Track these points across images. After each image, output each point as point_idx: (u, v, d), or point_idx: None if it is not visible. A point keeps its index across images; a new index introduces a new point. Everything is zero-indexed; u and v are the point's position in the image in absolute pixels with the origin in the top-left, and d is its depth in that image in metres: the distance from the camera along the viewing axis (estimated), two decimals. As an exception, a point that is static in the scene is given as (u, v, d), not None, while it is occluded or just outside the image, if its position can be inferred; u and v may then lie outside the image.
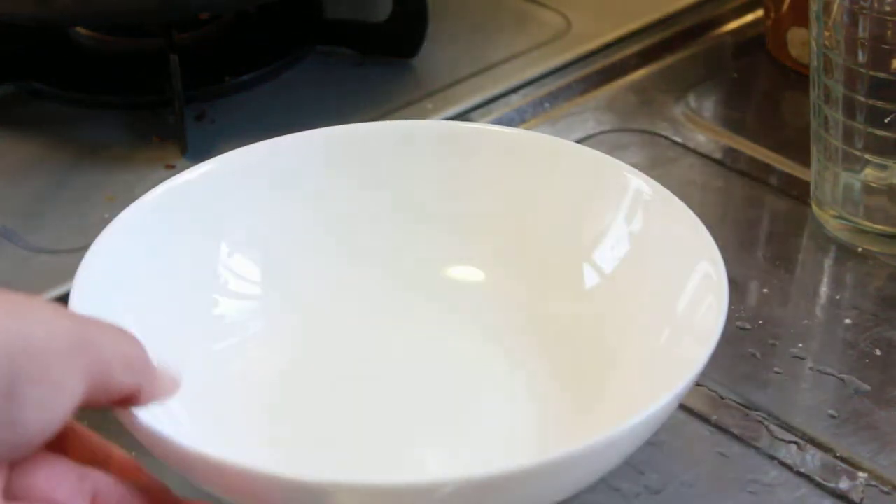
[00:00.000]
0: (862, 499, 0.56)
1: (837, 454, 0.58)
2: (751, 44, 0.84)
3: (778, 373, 0.62)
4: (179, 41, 0.78)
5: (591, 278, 0.61)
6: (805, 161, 0.71)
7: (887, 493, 0.56)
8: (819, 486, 0.57)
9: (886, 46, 0.64)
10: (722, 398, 0.60)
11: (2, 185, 0.74)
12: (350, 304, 0.62)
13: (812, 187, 0.70)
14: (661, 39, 0.84)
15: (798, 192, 0.72)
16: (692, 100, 0.80)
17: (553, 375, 0.58)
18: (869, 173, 0.67)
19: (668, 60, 0.83)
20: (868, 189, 0.67)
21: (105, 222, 0.58)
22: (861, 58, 0.64)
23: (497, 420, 0.57)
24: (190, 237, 0.60)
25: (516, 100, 0.79)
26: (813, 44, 0.67)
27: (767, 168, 0.74)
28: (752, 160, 0.75)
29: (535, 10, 0.87)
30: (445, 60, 0.82)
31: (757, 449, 0.58)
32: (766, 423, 0.59)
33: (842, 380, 0.61)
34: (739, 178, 0.74)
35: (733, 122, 0.78)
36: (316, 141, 0.63)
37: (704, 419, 0.59)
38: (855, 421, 0.59)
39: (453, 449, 0.56)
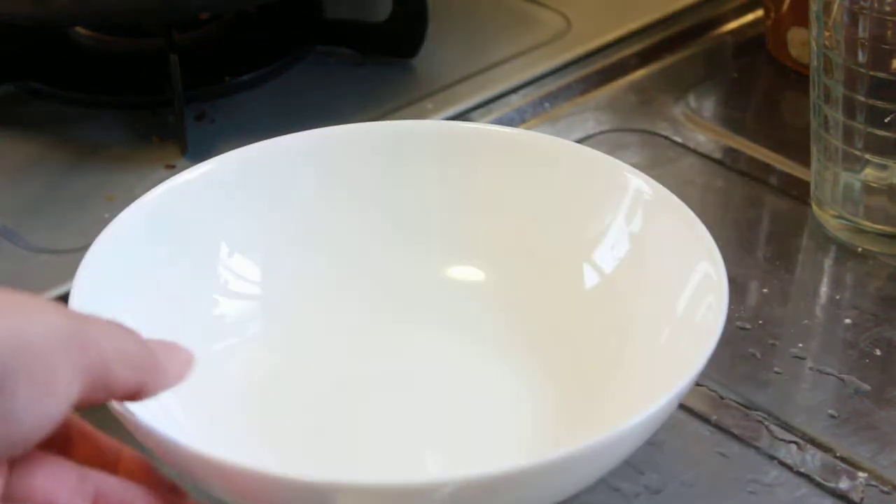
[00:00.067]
0: (862, 499, 0.56)
1: (837, 454, 0.58)
2: (751, 44, 0.84)
3: (778, 373, 0.62)
4: (179, 41, 0.78)
5: (591, 278, 0.61)
6: (805, 161, 0.71)
7: (887, 493, 0.56)
8: (819, 486, 0.57)
9: (886, 46, 0.64)
10: (722, 398, 0.60)
11: (2, 185, 0.74)
12: (350, 304, 0.62)
13: (812, 187, 0.70)
14: (661, 39, 0.84)
15: (798, 192, 0.72)
16: (692, 100, 0.80)
17: (553, 375, 0.58)
18: (869, 173, 0.67)
19: (668, 60, 0.83)
20: (868, 189, 0.67)
21: (105, 222, 0.58)
22: (861, 58, 0.64)
23: (497, 420, 0.57)
24: (190, 237, 0.60)
25: (516, 100, 0.79)
26: (813, 44, 0.66)
27: (767, 168, 0.74)
28: (752, 160, 0.75)
29: (535, 10, 0.87)
30: (445, 60, 0.82)
31: (757, 449, 0.58)
32: (766, 423, 0.59)
33: (842, 380, 0.61)
34: (739, 178, 0.74)
35: (733, 122, 0.78)
36: (315, 141, 0.63)
37: (704, 419, 0.59)
38: (855, 421, 0.59)
39: (453, 449, 0.56)
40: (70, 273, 0.55)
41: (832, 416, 0.60)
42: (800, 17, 0.78)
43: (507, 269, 0.62)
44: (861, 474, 0.57)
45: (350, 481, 0.47)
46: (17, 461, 0.45)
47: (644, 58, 0.83)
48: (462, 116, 0.78)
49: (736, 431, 0.59)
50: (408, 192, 0.63)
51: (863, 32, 0.64)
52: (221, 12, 0.83)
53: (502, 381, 0.59)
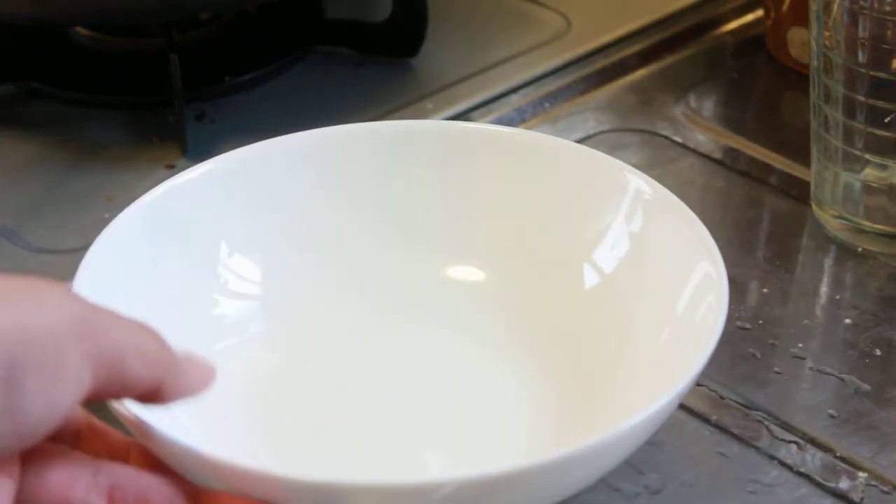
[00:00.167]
0: (862, 499, 0.56)
1: (837, 454, 0.58)
2: (751, 44, 0.84)
3: (778, 373, 0.62)
4: (179, 41, 0.78)
5: (591, 278, 0.61)
6: (805, 161, 0.71)
7: (887, 493, 0.56)
8: (819, 486, 0.57)
9: (886, 46, 0.64)
10: (722, 398, 0.60)
11: (2, 185, 0.74)
12: (350, 304, 0.62)
13: (812, 187, 0.70)
14: (661, 39, 0.84)
15: (798, 192, 0.72)
16: (692, 100, 0.80)
17: (553, 375, 0.58)
18: (869, 173, 0.67)
19: (668, 60, 0.83)
20: (868, 189, 0.67)
21: (105, 222, 0.58)
22: (861, 58, 0.64)
23: (496, 420, 0.57)
24: (190, 237, 0.60)
25: (516, 100, 0.79)
26: (813, 44, 0.66)
27: (767, 168, 0.74)
28: (752, 160, 0.75)
29: (535, 10, 0.87)
30: (445, 60, 0.82)
31: (757, 449, 0.58)
32: (766, 423, 0.59)
33: (842, 380, 0.61)
34: (739, 178, 0.74)
35: (733, 122, 0.78)
36: (315, 141, 0.63)
37: (704, 419, 0.59)
38: (855, 421, 0.59)
39: (453, 449, 0.56)
40: (70, 273, 0.55)
41: (832, 416, 0.60)
42: (800, 17, 0.78)
43: (507, 269, 0.62)
44: (861, 474, 0.57)
45: (350, 481, 0.47)
46: (30, 457, 0.45)
47: (644, 58, 0.83)
48: (462, 116, 0.78)
49: (736, 431, 0.59)
50: (408, 192, 0.63)
51: (863, 32, 0.64)
52: (221, 12, 0.83)
53: (502, 380, 0.59)
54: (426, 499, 0.47)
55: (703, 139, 0.77)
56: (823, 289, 0.67)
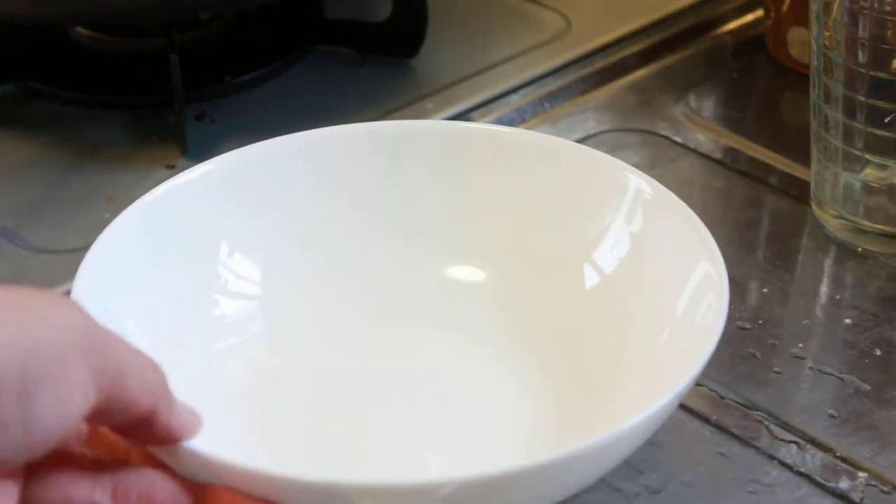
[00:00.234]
0: (862, 499, 0.56)
1: (837, 454, 0.58)
2: (751, 44, 0.84)
3: (778, 373, 0.62)
4: (179, 41, 0.78)
5: (591, 278, 0.61)
6: (805, 161, 0.71)
7: (887, 493, 0.56)
8: (819, 485, 0.57)
9: (886, 46, 0.64)
10: (722, 398, 0.60)
11: (2, 185, 0.74)
12: (350, 304, 0.62)
13: (812, 187, 0.70)
14: (661, 39, 0.84)
15: (798, 192, 0.72)
16: (692, 100, 0.80)
17: (553, 375, 0.58)
18: (869, 173, 0.67)
19: (668, 60, 0.83)
20: (868, 189, 0.67)
21: (105, 222, 0.58)
22: (861, 58, 0.64)
23: (497, 420, 0.57)
24: (190, 237, 0.60)
25: (516, 100, 0.79)
26: (813, 44, 0.66)
27: (767, 168, 0.74)
28: (752, 160, 0.75)
29: (535, 10, 0.87)
30: (445, 60, 0.82)
31: (757, 449, 0.58)
32: (766, 423, 0.59)
33: (842, 380, 0.61)
34: (739, 178, 0.74)
35: (733, 122, 0.78)
36: (315, 141, 0.63)
37: (704, 419, 0.59)
38: (855, 421, 0.59)
39: (453, 449, 0.56)
40: (70, 273, 0.55)
41: (832, 416, 0.60)
42: (800, 17, 0.78)
43: (507, 269, 0.62)
44: (861, 474, 0.57)
45: (349, 481, 0.47)
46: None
47: (644, 58, 0.83)
48: (462, 116, 0.78)
49: (736, 431, 0.59)
50: (408, 192, 0.63)
51: (863, 32, 0.64)
52: (221, 12, 0.83)
53: (502, 380, 0.59)
54: (426, 499, 0.47)
55: (703, 139, 0.77)
56: (823, 289, 0.67)
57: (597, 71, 0.82)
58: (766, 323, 0.64)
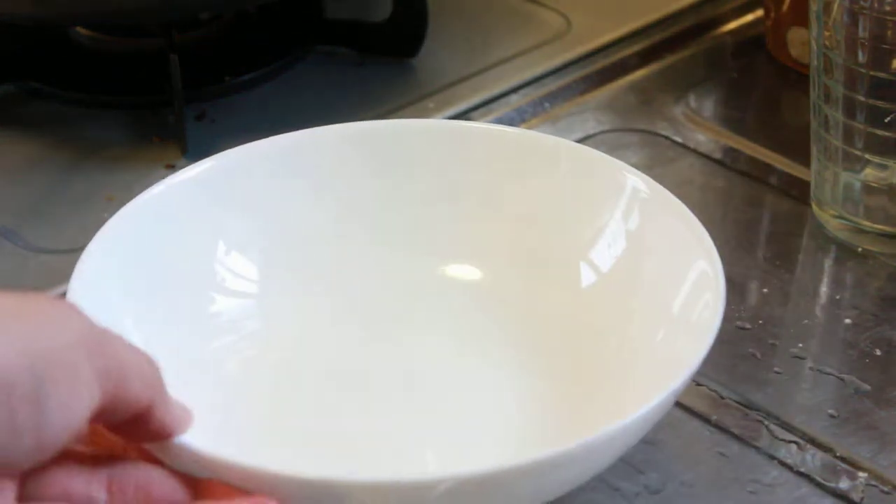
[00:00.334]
0: (862, 499, 0.56)
1: (837, 454, 0.58)
2: (751, 44, 0.84)
3: (778, 373, 0.62)
4: (179, 41, 0.78)
5: (587, 276, 0.61)
6: (805, 161, 0.71)
7: (887, 493, 0.56)
8: (819, 485, 0.57)
9: (886, 46, 0.64)
10: (722, 398, 0.60)
11: (2, 185, 0.74)
12: (346, 302, 0.62)
13: (812, 187, 0.70)
14: (661, 39, 0.84)
15: (798, 192, 0.72)
16: (692, 100, 0.80)
17: (549, 373, 0.58)
18: (869, 173, 0.67)
19: (668, 60, 0.83)
20: (868, 189, 0.67)
21: (105, 222, 0.58)
22: (861, 58, 0.64)
23: (493, 418, 0.57)
24: (187, 235, 0.60)
25: (516, 100, 0.79)
26: (813, 44, 0.66)
27: (767, 168, 0.74)
28: (752, 160, 0.75)
29: (535, 10, 0.87)
30: (445, 60, 0.82)
31: (757, 449, 0.58)
32: (766, 423, 0.59)
33: (842, 380, 0.61)
34: (739, 178, 0.74)
35: (733, 122, 0.78)
36: (314, 139, 0.63)
37: (704, 419, 0.59)
38: (855, 421, 0.59)
39: (449, 446, 0.56)
40: (70, 273, 0.55)
41: (832, 416, 0.60)
42: (800, 17, 0.78)
43: (504, 268, 0.62)
44: (861, 474, 0.57)
45: (346, 478, 0.47)
46: None
47: (644, 58, 0.83)
48: (462, 116, 0.78)
49: (736, 431, 0.59)
50: (405, 190, 0.63)
51: (863, 32, 0.64)
52: (221, 12, 0.83)
53: (499, 379, 0.59)
54: (423, 496, 0.47)
55: (703, 139, 0.77)
56: (823, 289, 0.67)
57: (597, 71, 0.82)
58: (766, 323, 0.64)
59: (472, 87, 0.80)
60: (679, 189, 0.60)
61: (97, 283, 0.55)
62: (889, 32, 0.64)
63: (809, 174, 0.70)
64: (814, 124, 0.68)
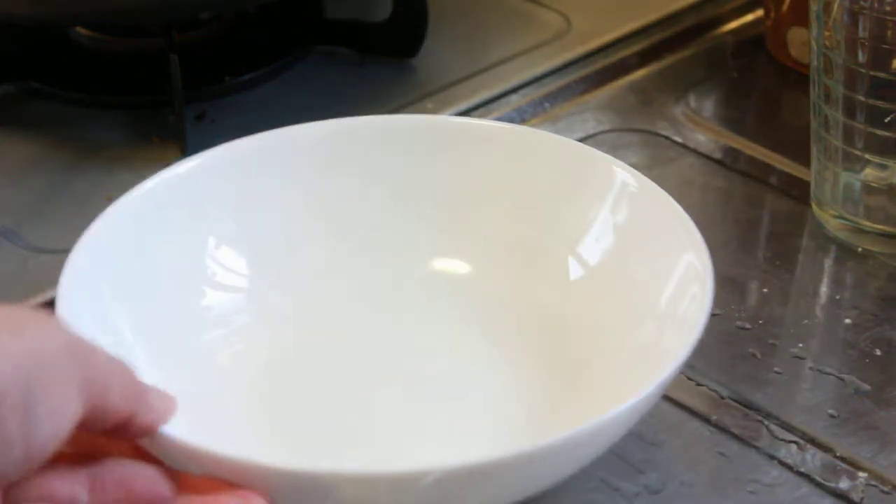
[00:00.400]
0: (862, 499, 0.56)
1: (837, 454, 0.58)
2: (751, 44, 0.84)
3: (778, 373, 0.62)
4: (179, 41, 0.78)
5: (576, 270, 0.61)
6: (805, 161, 0.71)
7: (887, 493, 0.56)
8: (819, 485, 0.57)
9: (886, 46, 0.64)
10: (722, 398, 0.60)
11: (2, 185, 0.74)
12: (337, 296, 0.62)
13: (812, 187, 0.70)
14: (661, 39, 0.84)
15: (798, 192, 0.72)
16: (692, 100, 0.80)
17: (538, 366, 0.58)
18: (869, 173, 0.67)
19: (668, 60, 0.83)
20: (868, 189, 0.67)
21: (102, 221, 0.58)
22: (861, 58, 0.64)
23: (482, 410, 0.57)
24: (178, 230, 0.60)
25: (516, 100, 0.79)
26: (813, 44, 0.66)
27: (767, 168, 0.74)
28: (752, 160, 0.75)
29: (535, 10, 0.87)
30: (445, 60, 0.82)
31: (757, 449, 0.58)
32: (766, 423, 0.59)
33: (842, 380, 0.61)
34: (739, 178, 0.74)
35: (733, 122, 0.78)
36: (306, 135, 0.63)
37: (704, 419, 0.59)
38: (855, 421, 0.59)
39: (439, 438, 0.56)
40: (69, 273, 0.55)
41: (832, 416, 0.60)
42: (800, 17, 0.78)
43: (492, 262, 0.63)
44: (861, 474, 0.57)
45: (333, 469, 0.47)
46: None
47: (644, 58, 0.83)
48: (462, 116, 0.78)
49: (736, 431, 0.59)
50: (394, 185, 0.64)
51: (863, 32, 0.64)
52: (221, 12, 0.83)
53: (487, 372, 0.59)
54: (409, 487, 0.47)
55: (703, 139, 0.77)
56: (823, 289, 0.67)
57: (597, 71, 0.82)
58: (766, 323, 0.64)
59: (472, 87, 0.80)
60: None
61: (89, 276, 0.56)
62: (889, 32, 0.64)
63: (809, 174, 0.70)
64: (814, 124, 0.68)
